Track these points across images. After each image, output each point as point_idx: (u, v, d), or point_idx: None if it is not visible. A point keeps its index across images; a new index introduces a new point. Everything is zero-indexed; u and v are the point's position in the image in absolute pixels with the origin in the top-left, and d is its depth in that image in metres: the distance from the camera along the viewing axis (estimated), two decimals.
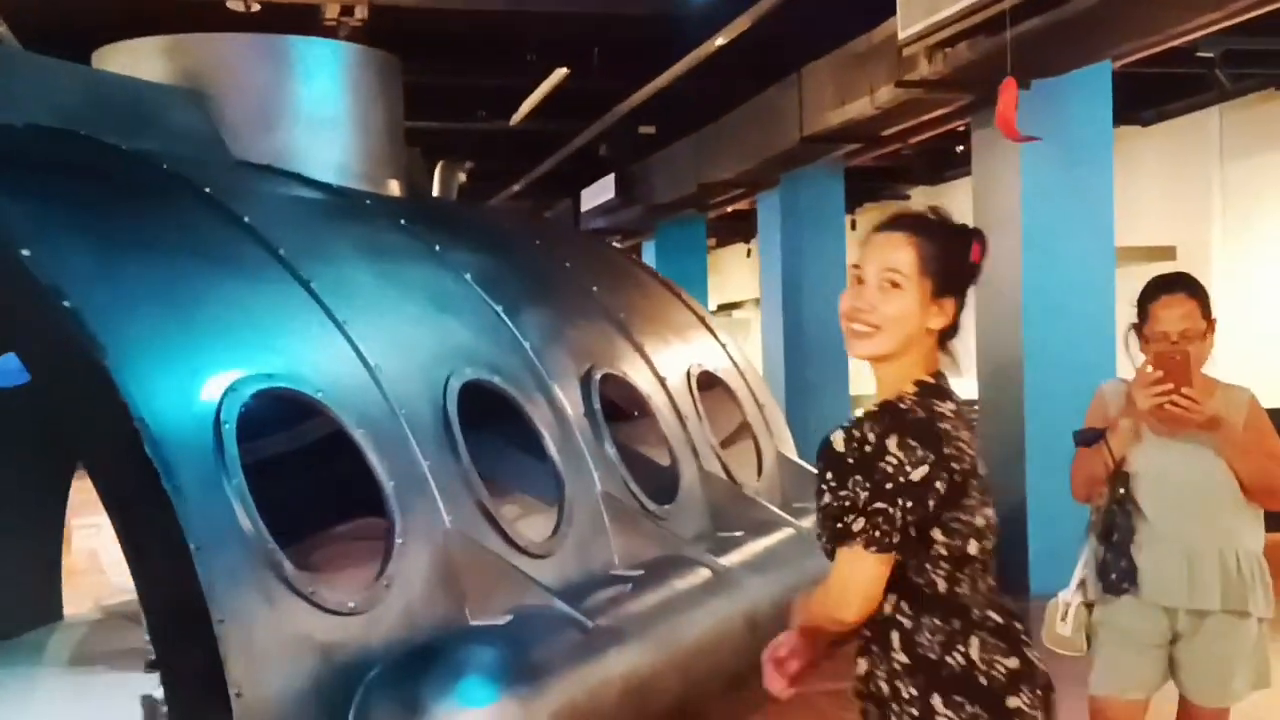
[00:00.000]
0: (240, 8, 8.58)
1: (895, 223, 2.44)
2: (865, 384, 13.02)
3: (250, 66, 6.39)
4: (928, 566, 2.28)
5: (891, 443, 2.19)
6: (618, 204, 14.49)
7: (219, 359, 4.07)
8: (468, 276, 6.00)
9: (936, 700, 2.23)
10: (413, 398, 4.88)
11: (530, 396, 5.68)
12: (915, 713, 2.25)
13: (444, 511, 4.67)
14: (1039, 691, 2.30)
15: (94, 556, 10.07)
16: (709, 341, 8.17)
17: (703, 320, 8.37)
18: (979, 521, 2.32)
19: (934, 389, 2.34)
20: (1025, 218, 7.71)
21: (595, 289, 7.25)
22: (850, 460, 2.22)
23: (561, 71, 9.52)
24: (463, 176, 9.16)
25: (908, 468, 2.18)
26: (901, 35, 6.67)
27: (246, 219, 4.86)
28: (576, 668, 4.39)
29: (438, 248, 6.07)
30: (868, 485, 2.19)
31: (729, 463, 7.24)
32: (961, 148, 12.42)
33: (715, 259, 24.22)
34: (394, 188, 6.95)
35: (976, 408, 8.73)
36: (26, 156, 4.51)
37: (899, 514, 2.18)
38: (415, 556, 4.42)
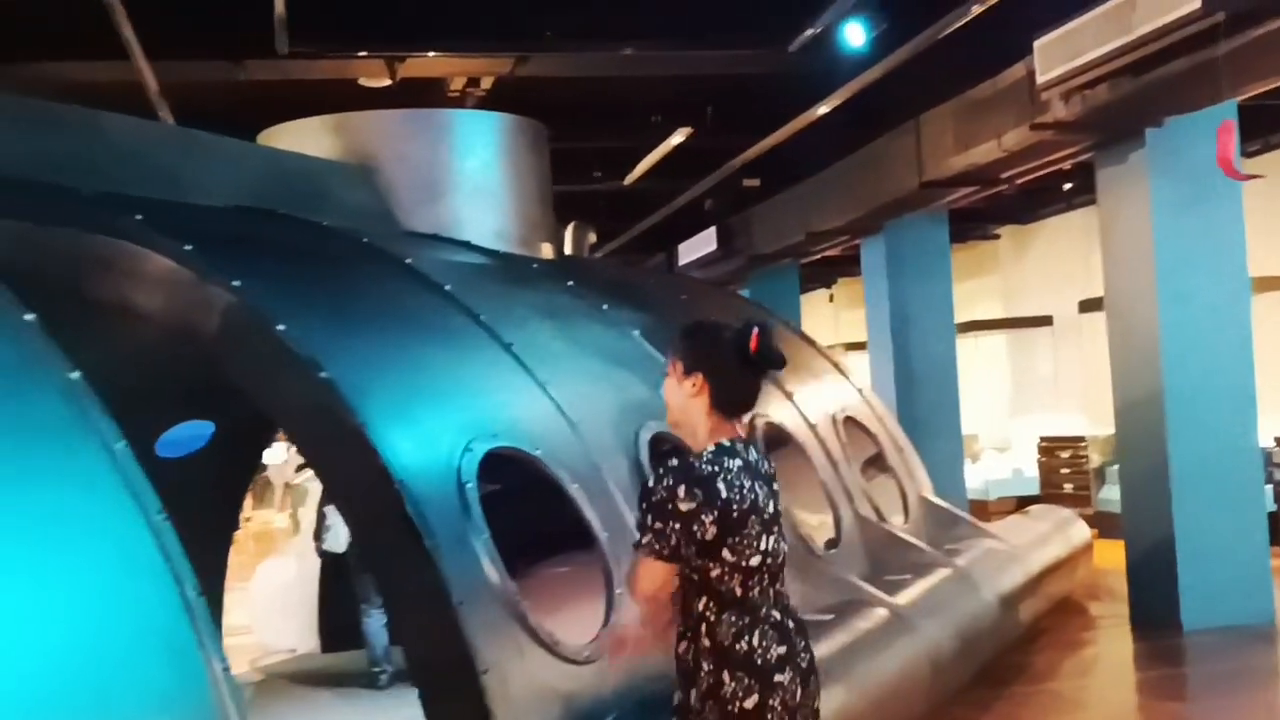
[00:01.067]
0: (373, 84, 8.91)
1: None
2: (973, 424, 12.91)
3: (412, 140, 6.67)
4: (725, 576, 2.96)
5: (680, 489, 2.91)
6: (718, 255, 14.72)
7: (452, 421, 4.26)
8: (635, 333, 6.19)
9: (725, 674, 2.94)
10: (609, 452, 5.05)
11: None
12: (710, 682, 2.95)
13: None
14: (800, 672, 3.03)
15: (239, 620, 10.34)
16: (846, 387, 8.30)
17: (837, 366, 8.51)
18: (761, 544, 3.00)
19: (726, 450, 3.02)
20: (1158, 252, 7.75)
21: None
22: (654, 497, 2.94)
23: (684, 131, 9.77)
24: (593, 236, 9.41)
25: (681, 505, 2.91)
26: (1040, 79, 6.81)
27: (447, 287, 5.07)
28: None
29: (605, 307, 6.27)
30: (657, 514, 2.93)
31: (878, 505, 7.35)
32: (1069, 185, 12.51)
33: None
34: (547, 250, 7.18)
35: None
36: (247, 237, 4.77)
37: (672, 536, 2.91)
38: (630, 606, 4.56)
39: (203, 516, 6.94)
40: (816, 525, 6.66)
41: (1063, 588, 8.69)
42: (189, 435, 6.86)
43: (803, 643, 3.08)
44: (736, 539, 2.94)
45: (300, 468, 18.26)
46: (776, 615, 3.02)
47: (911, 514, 7.79)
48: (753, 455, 3.10)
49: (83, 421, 2.96)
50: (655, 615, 3.15)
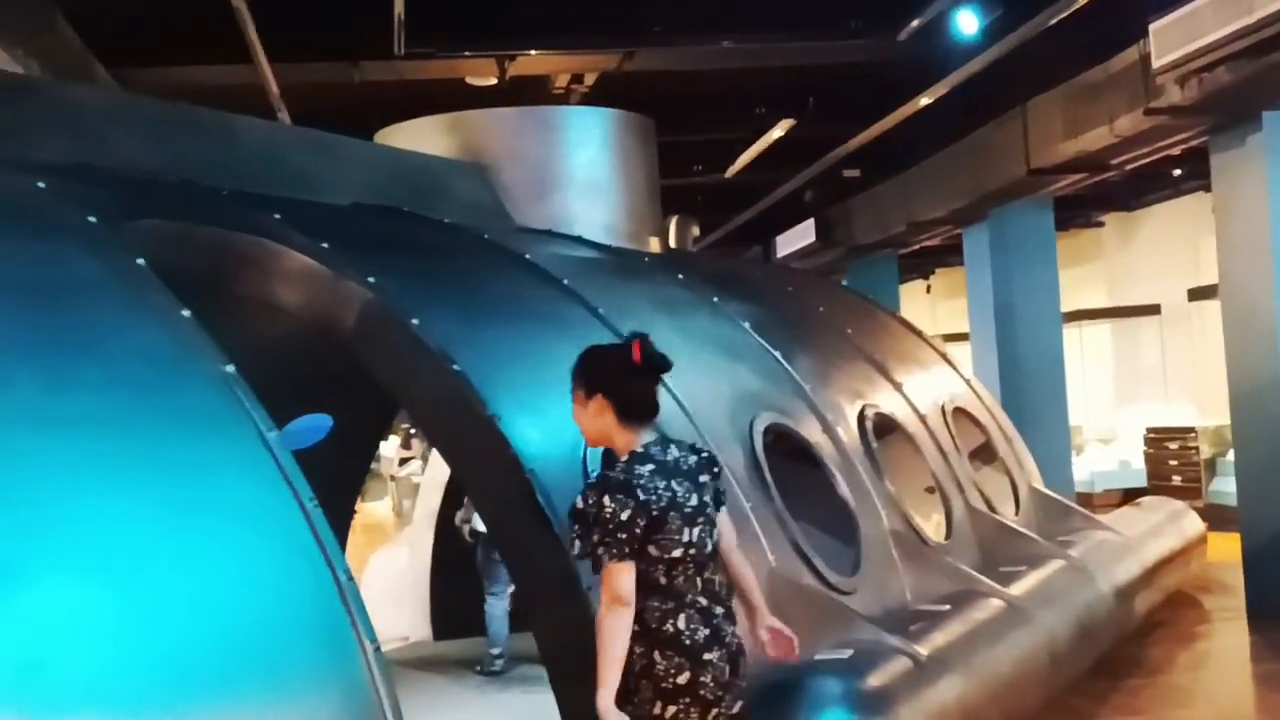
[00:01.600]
0: (481, 83, 9.07)
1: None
2: (1077, 415, 12.64)
3: (525, 137, 6.78)
4: (652, 569, 3.20)
5: (604, 498, 3.17)
6: (817, 247, 14.68)
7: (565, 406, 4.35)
8: (746, 325, 6.24)
9: (655, 654, 3.17)
10: (727, 442, 5.12)
11: (816, 437, 5.88)
12: (643, 662, 3.18)
13: (768, 551, 4.87)
14: (729, 654, 3.26)
15: None
16: (954, 377, 8.26)
17: (944, 357, 8.47)
18: (683, 537, 3.24)
19: (639, 457, 3.30)
20: (1275, 237, 7.60)
21: (849, 331, 7.44)
22: (589, 514, 3.19)
23: (787, 123, 9.79)
24: (696, 230, 9.47)
25: (608, 510, 3.16)
26: (1156, 63, 6.71)
27: (565, 281, 5.18)
28: (918, 697, 4.52)
29: (715, 299, 6.33)
30: (597, 524, 3.16)
31: (989, 496, 7.31)
32: (1178, 171, 12.26)
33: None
34: (654, 244, 7.26)
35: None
36: (377, 234, 4.92)
37: (622, 534, 3.14)
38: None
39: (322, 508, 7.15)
40: (927, 516, 6.65)
41: (1176, 580, 8.56)
42: (309, 428, 7.07)
43: (731, 628, 3.32)
44: (659, 535, 3.20)
45: (403, 461, 18.67)
46: (703, 601, 3.26)
47: (1022, 505, 7.73)
48: (672, 454, 3.36)
49: (238, 411, 3.11)
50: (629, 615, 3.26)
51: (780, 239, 15.67)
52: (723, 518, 3.46)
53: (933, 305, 24.44)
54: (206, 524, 2.85)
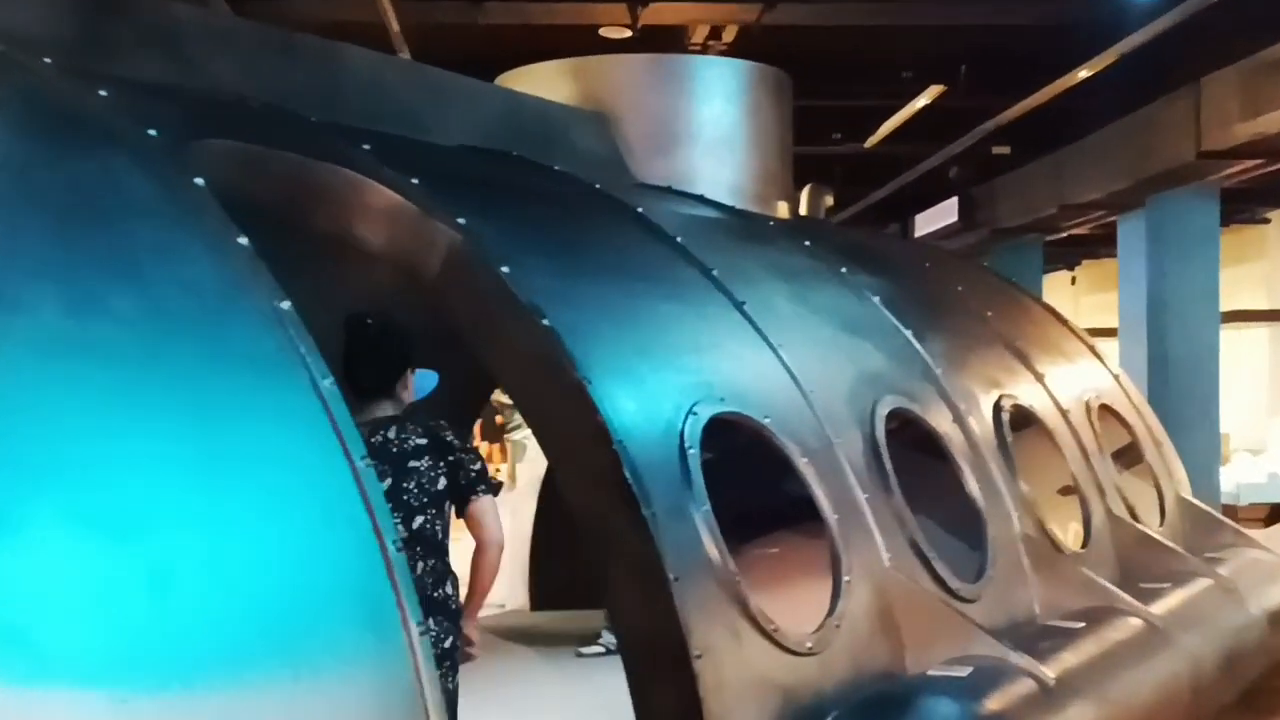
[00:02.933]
0: (613, 34, 8.67)
1: None
2: (1226, 422, 11.82)
3: (650, 87, 6.36)
4: None
5: None
6: (958, 228, 13.95)
7: (677, 381, 3.95)
8: (875, 299, 5.74)
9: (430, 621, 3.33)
10: (843, 425, 4.65)
11: (945, 426, 5.36)
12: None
13: (882, 548, 4.41)
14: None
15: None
16: (1102, 371, 7.62)
17: (1092, 350, 7.82)
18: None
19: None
20: None
21: (989, 314, 6.87)
22: None
23: (935, 89, 9.16)
24: (829, 199, 8.97)
25: None
26: None
27: (679, 239, 4.76)
28: None
29: (843, 270, 5.84)
30: None
31: (1132, 504, 6.70)
32: None
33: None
34: (782, 210, 6.78)
35: None
36: (476, 175, 4.55)
37: None
38: (860, 595, 4.18)
39: None
40: (1062, 522, 6.08)
41: None
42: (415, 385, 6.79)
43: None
44: None
45: (516, 426, 18.47)
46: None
47: (1168, 515, 7.08)
48: (391, 434, 3.60)
49: (290, 354, 2.76)
50: None
51: (919, 218, 14.99)
52: (479, 505, 3.59)
53: (1076, 298, 23.45)
54: (237, 478, 2.51)
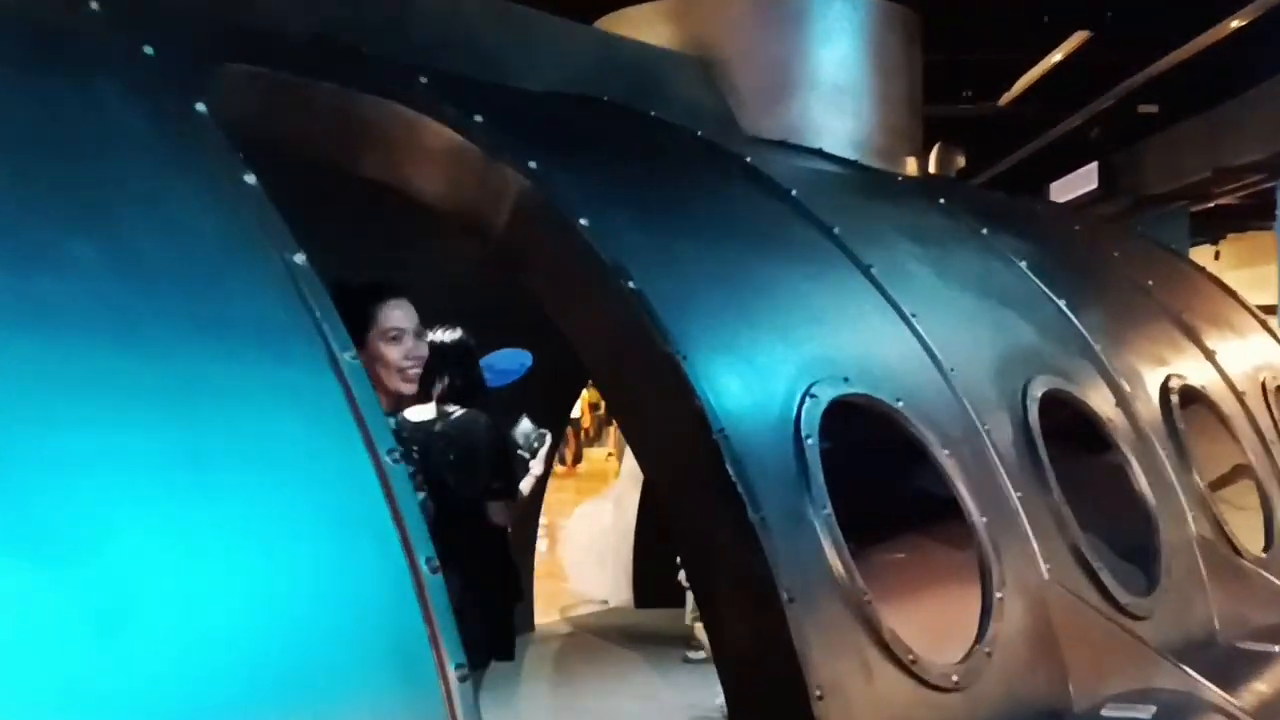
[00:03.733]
0: None
1: (398, 288, 3.01)
2: None
3: (762, 29, 5.66)
4: None
5: None
6: (1098, 195, 12.92)
7: (792, 358, 3.29)
8: (1023, 265, 4.99)
9: None
10: (991, 409, 3.94)
11: (1108, 410, 4.60)
12: None
13: (1040, 558, 3.70)
14: None
15: (552, 561, 9.87)
16: (1277, 350, 6.73)
17: (1264, 325, 6.93)
18: None
19: None
20: None
21: (1150, 283, 6.04)
22: None
23: (1080, 36, 8.26)
24: (961, 160, 8.19)
25: None
26: None
27: (794, 193, 4.09)
28: None
29: (984, 231, 5.10)
30: None
31: None
32: None
33: None
34: (911, 167, 6.04)
35: None
36: (553, 116, 3.94)
37: None
38: (1014, 614, 3.47)
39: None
40: (1241, 520, 5.26)
41: None
42: (505, 366, 6.24)
43: None
44: None
45: None
46: None
47: None
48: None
49: (301, 319, 2.18)
50: None
51: (1055, 185, 13.97)
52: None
53: (1219, 274, 22.05)
54: (226, 483, 1.93)
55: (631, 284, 2.97)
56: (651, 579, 7.54)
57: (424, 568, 2.08)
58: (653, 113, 4.53)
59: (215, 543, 1.89)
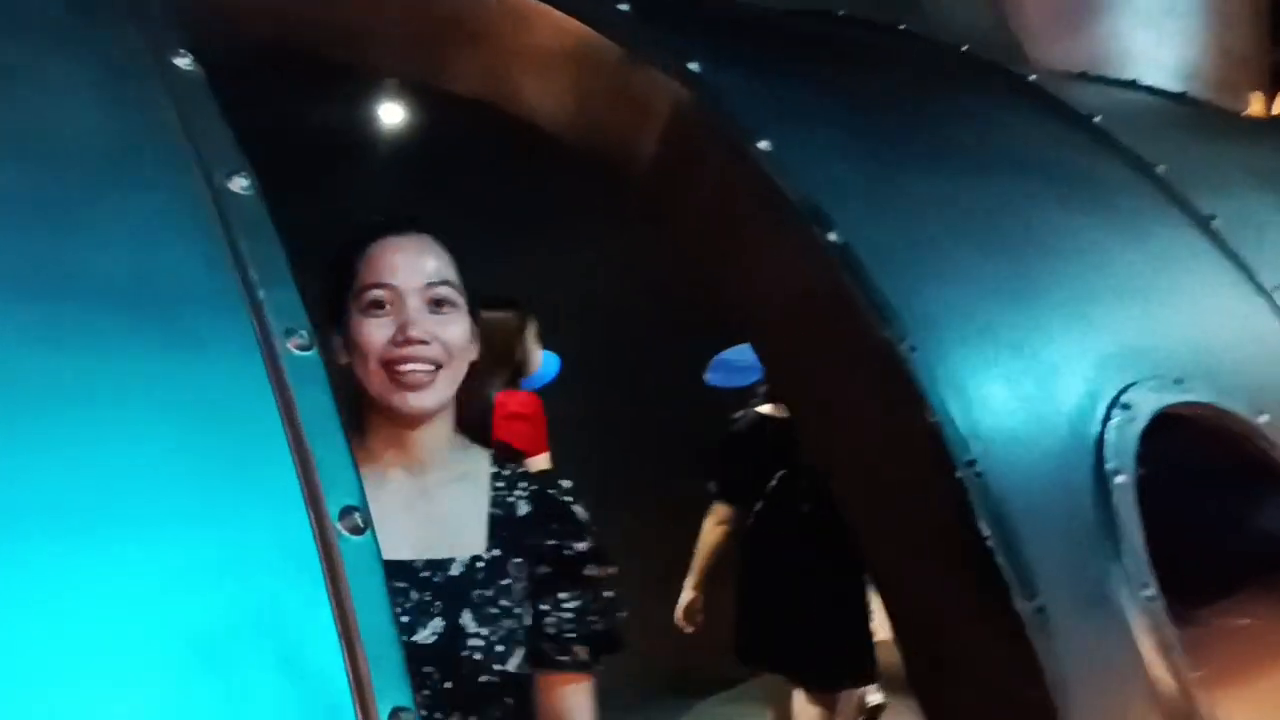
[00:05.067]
0: None
1: (413, 223, 1.76)
2: None
3: None
4: None
5: None
6: None
7: (1087, 349, 2.17)
8: None
9: None
10: None
11: None
12: None
13: None
14: None
15: None
16: None
17: None
18: None
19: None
20: None
21: None
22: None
23: None
24: None
25: None
26: None
27: (1096, 120, 2.93)
28: None
29: None
30: None
31: None
32: None
33: None
34: (1256, 104, 4.66)
35: None
36: (742, 22, 2.92)
37: None
38: None
39: None
40: None
41: None
42: (741, 361, 5.31)
43: None
44: None
45: None
46: None
47: None
48: None
49: (226, 279, 1.30)
50: None
51: None
52: None
53: None
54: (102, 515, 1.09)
55: (833, 235, 1.94)
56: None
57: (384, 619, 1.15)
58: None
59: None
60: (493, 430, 1.88)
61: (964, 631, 1.78)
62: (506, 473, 1.78)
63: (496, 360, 4.05)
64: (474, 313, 1.75)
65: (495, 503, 1.73)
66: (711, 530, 4.50)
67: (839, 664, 4.35)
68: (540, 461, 4.06)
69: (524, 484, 1.77)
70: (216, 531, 1.17)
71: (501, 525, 1.72)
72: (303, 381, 1.25)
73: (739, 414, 4.55)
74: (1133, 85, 4.08)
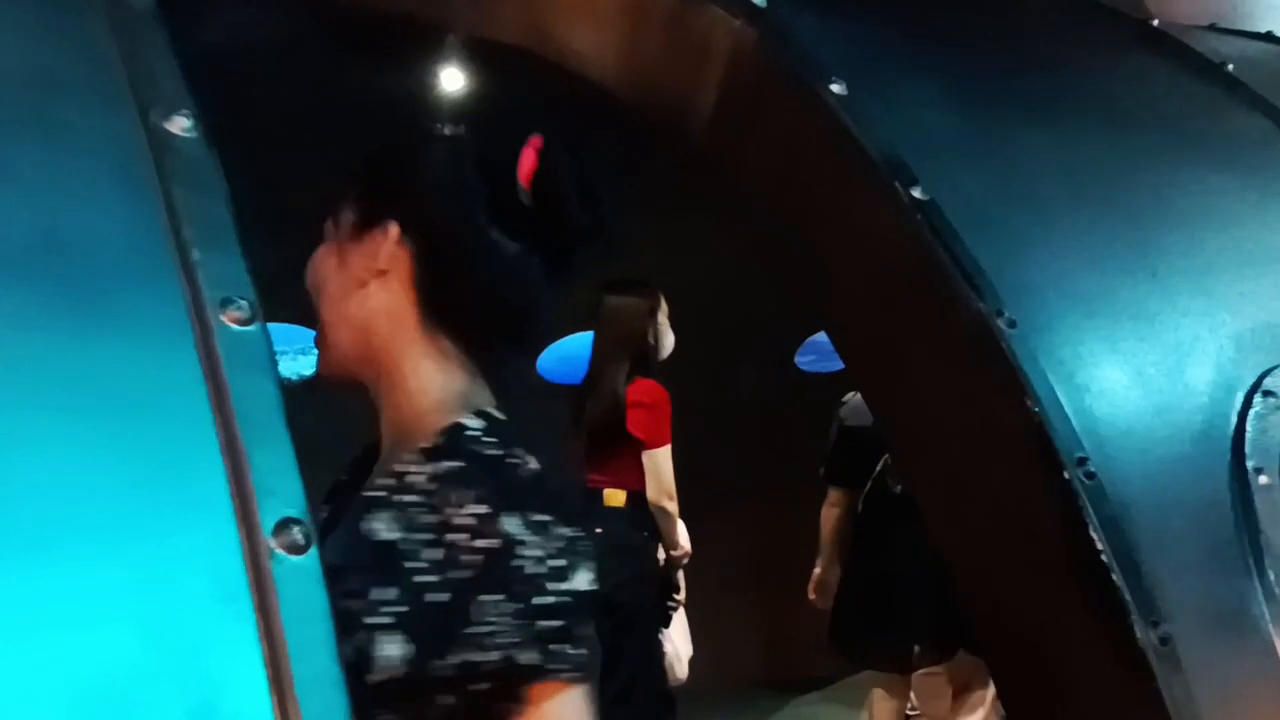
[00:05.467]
0: None
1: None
2: None
3: None
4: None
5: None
6: None
7: (1219, 328, 1.86)
8: None
9: None
10: None
11: None
12: None
13: None
14: None
15: None
16: None
17: None
18: None
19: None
20: None
21: None
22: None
23: None
24: None
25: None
26: None
27: (1229, 68, 2.59)
28: None
29: None
30: None
31: None
32: None
33: None
34: None
35: None
36: None
37: None
38: None
39: None
40: None
41: None
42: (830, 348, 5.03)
43: None
44: None
45: None
46: None
47: None
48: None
49: (153, 236, 1.07)
50: None
51: None
52: None
53: None
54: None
55: (916, 191, 1.65)
56: None
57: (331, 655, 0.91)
58: None
59: None
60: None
61: (1072, 661, 1.49)
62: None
63: (625, 343, 3.80)
64: (367, 218, 1.32)
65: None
66: (828, 513, 4.27)
67: (936, 643, 4.08)
68: (661, 455, 3.76)
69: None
70: (123, 551, 0.95)
71: None
72: (240, 365, 1.02)
73: (847, 396, 4.30)
74: (1269, 37, 3.71)
